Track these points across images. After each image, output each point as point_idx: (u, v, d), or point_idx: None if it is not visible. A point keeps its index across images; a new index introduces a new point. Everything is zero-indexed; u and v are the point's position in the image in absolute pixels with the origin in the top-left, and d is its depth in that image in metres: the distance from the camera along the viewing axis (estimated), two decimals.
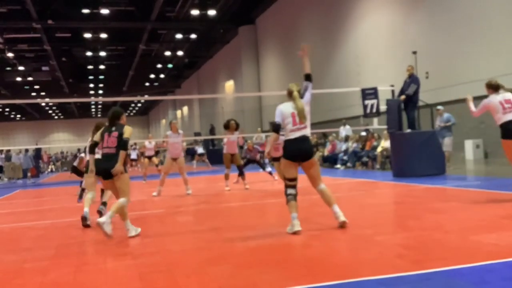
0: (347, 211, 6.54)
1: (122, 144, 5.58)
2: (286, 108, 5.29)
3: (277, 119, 5.29)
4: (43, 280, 3.87)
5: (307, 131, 5.28)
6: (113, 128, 5.71)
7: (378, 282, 3.25)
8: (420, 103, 11.82)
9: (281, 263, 3.97)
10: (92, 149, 5.98)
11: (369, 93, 11.60)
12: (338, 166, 16.50)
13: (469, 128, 15.32)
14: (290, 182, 5.22)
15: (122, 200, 5.53)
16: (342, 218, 5.19)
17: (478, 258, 3.66)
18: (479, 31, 15.00)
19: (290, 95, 5.33)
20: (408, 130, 11.44)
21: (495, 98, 6.49)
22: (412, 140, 10.85)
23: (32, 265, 4.44)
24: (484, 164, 13.61)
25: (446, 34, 16.22)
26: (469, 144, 15.21)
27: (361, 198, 8.15)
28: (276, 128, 5.30)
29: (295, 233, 5.03)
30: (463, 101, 15.39)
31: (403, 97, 11.16)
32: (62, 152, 43.92)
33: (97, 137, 5.93)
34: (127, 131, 5.66)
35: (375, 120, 12.22)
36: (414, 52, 13.53)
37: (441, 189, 8.52)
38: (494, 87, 6.58)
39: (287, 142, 5.24)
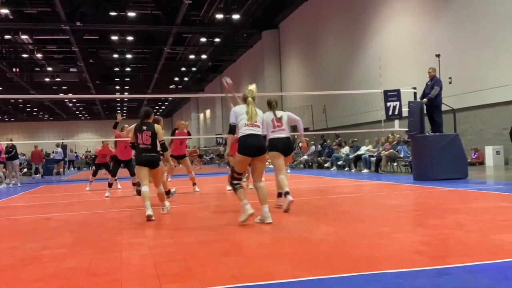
0: (364, 210, 6.46)
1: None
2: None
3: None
4: (59, 266, 3.90)
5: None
6: (144, 127, 6.51)
7: (395, 275, 3.17)
8: (444, 108, 11.59)
9: (296, 255, 3.92)
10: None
11: (392, 95, 11.43)
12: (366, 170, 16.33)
13: (491, 134, 14.99)
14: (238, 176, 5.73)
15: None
16: (268, 220, 5.49)
17: (500, 256, 3.55)
18: (503, 36, 14.71)
19: (245, 100, 5.80)
20: (431, 133, 11.21)
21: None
22: (434, 143, 10.59)
23: (49, 252, 4.49)
24: (505, 170, 13.27)
25: (470, 39, 15.94)
26: (489, 151, 14.89)
27: (379, 198, 8.01)
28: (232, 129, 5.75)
29: (250, 215, 5.42)
30: (487, 106, 15.20)
31: (425, 100, 10.96)
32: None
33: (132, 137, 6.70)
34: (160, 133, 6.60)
35: (396, 122, 12.03)
36: (438, 55, 13.29)
37: (463, 191, 8.32)
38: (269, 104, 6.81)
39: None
